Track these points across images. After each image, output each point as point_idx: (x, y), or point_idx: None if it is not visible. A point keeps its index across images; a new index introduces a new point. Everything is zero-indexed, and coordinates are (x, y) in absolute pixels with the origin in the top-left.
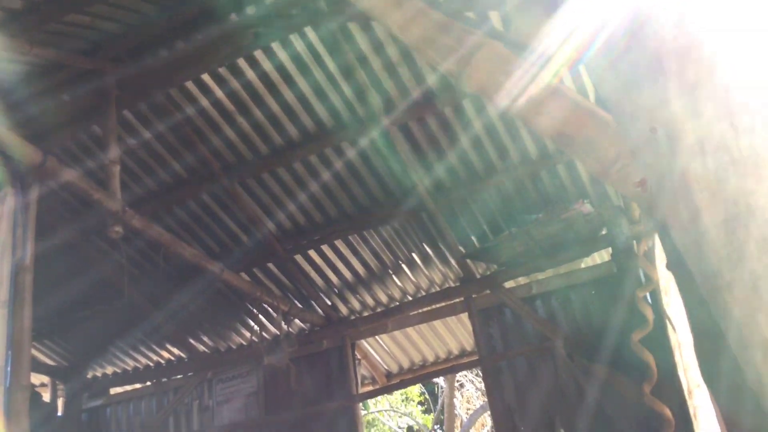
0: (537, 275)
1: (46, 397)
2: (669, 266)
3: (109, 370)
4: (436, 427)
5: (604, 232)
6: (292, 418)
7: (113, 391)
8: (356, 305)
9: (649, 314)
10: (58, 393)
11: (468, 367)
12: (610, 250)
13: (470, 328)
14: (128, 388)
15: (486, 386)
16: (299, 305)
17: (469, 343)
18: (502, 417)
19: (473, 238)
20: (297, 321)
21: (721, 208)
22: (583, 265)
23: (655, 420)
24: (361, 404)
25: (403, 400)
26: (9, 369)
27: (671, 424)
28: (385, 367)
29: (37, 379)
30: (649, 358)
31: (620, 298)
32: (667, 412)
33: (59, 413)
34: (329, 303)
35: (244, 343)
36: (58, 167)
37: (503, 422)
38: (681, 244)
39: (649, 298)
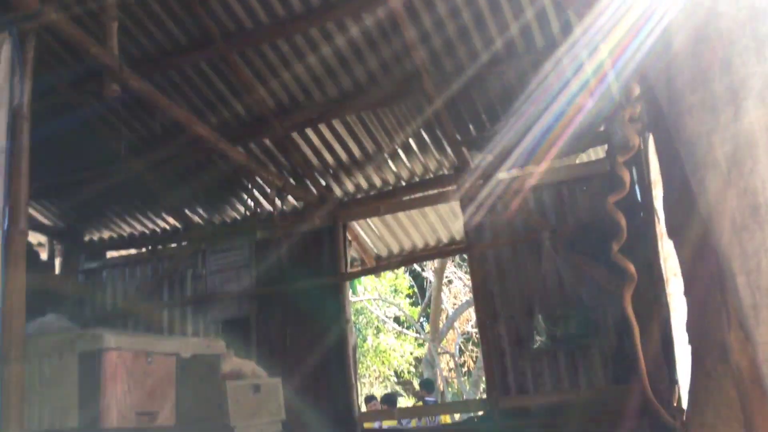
0: (530, 168)
1: (44, 256)
2: (648, 128)
3: (106, 234)
4: (422, 319)
5: (601, 129)
6: (282, 291)
7: (109, 255)
8: (350, 187)
9: (626, 177)
10: (56, 253)
11: (455, 253)
12: (605, 147)
13: (461, 216)
14: (124, 252)
15: (471, 273)
16: (293, 183)
17: (458, 232)
18: (484, 302)
19: (471, 126)
20: (290, 199)
21: (692, 32)
22: (577, 161)
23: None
24: (350, 289)
25: (391, 292)
26: (7, 213)
27: (634, 279)
28: (375, 251)
29: (34, 238)
30: (620, 218)
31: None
32: (631, 268)
33: (56, 272)
34: (323, 183)
35: (238, 217)
36: (54, 15)
37: (485, 307)
38: (653, 74)
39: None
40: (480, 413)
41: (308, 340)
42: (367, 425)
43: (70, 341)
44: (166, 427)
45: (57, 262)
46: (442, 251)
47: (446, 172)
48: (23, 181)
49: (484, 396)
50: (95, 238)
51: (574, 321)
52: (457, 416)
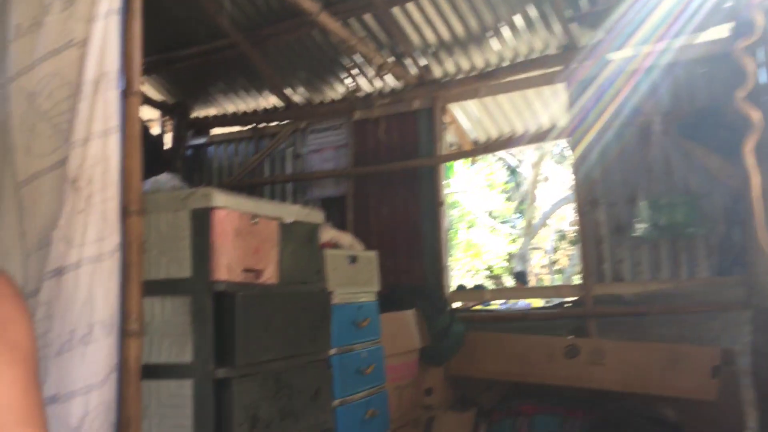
0: (644, 47)
1: (155, 131)
2: None
3: (212, 111)
4: (516, 214)
5: (727, 5)
6: (378, 171)
7: (214, 132)
8: (450, 68)
9: (751, 67)
10: (165, 128)
11: (558, 137)
12: (731, 25)
13: (566, 100)
14: (228, 130)
15: (573, 157)
16: (393, 62)
17: (561, 117)
18: (584, 188)
19: (582, 1)
20: (389, 79)
21: None
22: (697, 41)
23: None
24: (445, 173)
25: (487, 185)
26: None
27: (757, 129)
28: (473, 135)
29: (145, 113)
30: (753, 113)
31: (731, 78)
32: (755, 116)
33: (166, 147)
34: (423, 63)
35: (337, 97)
36: None
37: (584, 193)
38: None
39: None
40: (572, 299)
41: (403, 221)
42: (457, 305)
43: (183, 198)
44: (269, 285)
45: (167, 137)
46: (543, 136)
47: (553, 51)
48: (136, 42)
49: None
50: (201, 115)
51: (681, 209)
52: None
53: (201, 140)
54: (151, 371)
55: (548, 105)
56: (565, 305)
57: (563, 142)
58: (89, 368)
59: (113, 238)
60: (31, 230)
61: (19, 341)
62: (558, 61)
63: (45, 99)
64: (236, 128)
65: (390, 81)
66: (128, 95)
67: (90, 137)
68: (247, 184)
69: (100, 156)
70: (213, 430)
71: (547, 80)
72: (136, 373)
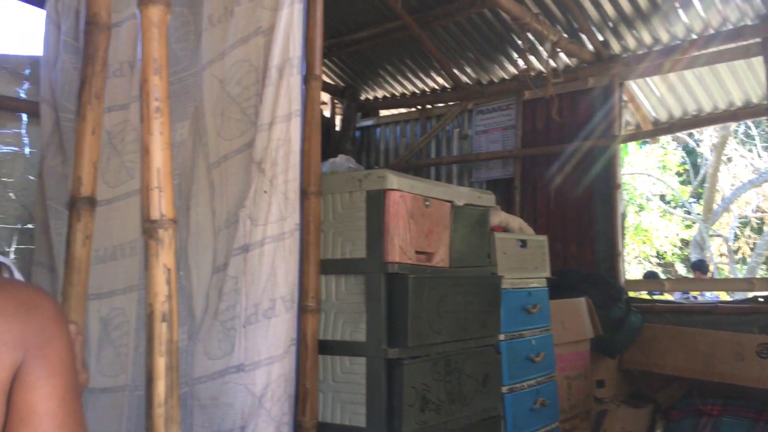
0: None
1: (326, 113)
2: None
3: (380, 93)
4: (692, 200)
5: None
6: (547, 152)
7: (382, 113)
8: (631, 42)
9: None
10: (335, 111)
11: (752, 116)
12: None
13: (762, 74)
14: (395, 111)
15: None
16: (568, 38)
17: (756, 94)
18: None
19: None
20: (563, 56)
21: None
22: None
23: None
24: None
25: (660, 167)
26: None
27: None
28: (653, 114)
29: None
30: None
31: None
32: None
33: (336, 129)
34: (601, 38)
35: (506, 77)
36: None
37: None
38: None
39: None
40: (765, 294)
41: (574, 204)
42: (632, 294)
43: (358, 180)
44: (440, 268)
45: (337, 119)
46: (734, 115)
47: (749, 21)
48: (317, 28)
49: None
50: (370, 97)
51: None
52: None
53: (369, 122)
54: (326, 347)
55: (741, 80)
56: (759, 300)
57: (756, 121)
58: (271, 341)
59: (293, 218)
60: (220, 208)
61: (58, 358)
62: (755, 31)
63: (234, 85)
64: (403, 110)
65: (563, 58)
66: (309, 80)
67: (274, 121)
68: (414, 166)
69: (283, 139)
70: (385, 409)
71: (742, 52)
72: (313, 348)
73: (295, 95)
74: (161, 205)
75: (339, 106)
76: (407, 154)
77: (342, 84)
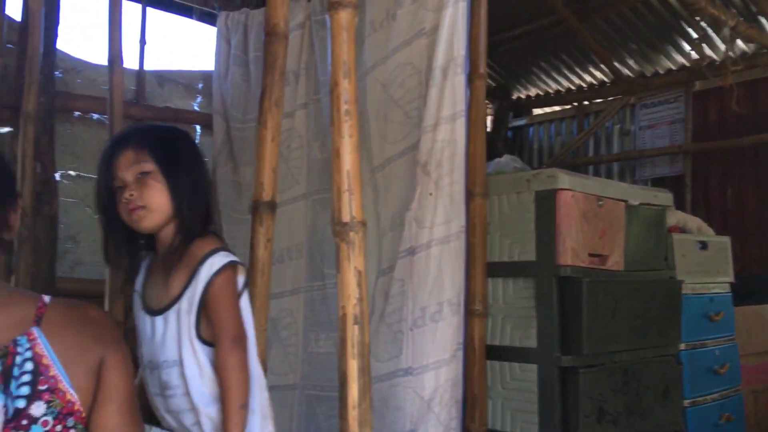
0: None
1: None
2: None
3: (533, 92)
4: None
5: None
6: (723, 147)
7: (535, 112)
8: None
9: None
10: (487, 111)
11: None
12: None
13: None
14: (548, 110)
15: None
16: (746, 22)
17: None
18: None
19: None
20: (739, 42)
21: None
22: None
23: None
24: None
25: None
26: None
27: None
28: None
29: None
30: None
31: None
32: None
33: (488, 130)
34: None
35: (673, 67)
36: None
37: None
38: None
39: None
40: None
41: (754, 203)
42: None
43: (527, 180)
44: (615, 271)
45: (488, 120)
46: None
47: None
48: (481, 26)
49: None
50: (522, 96)
51: None
52: None
53: (521, 121)
54: (494, 352)
55: None
56: None
57: None
58: (439, 344)
59: (459, 220)
60: (385, 212)
61: (117, 384)
62: None
63: (397, 88)
64: (558, 107)
65: (740, 44)
66: (473, 79)
67: (439, 122)
68: (570, 165)
69: (448, 140)
70: (559, 419)
71: None
72: (480, 353)
73: (459, 95)
74: (352, 208)
75: (490, 106)
76: (563, 152)
77: (493, 84)
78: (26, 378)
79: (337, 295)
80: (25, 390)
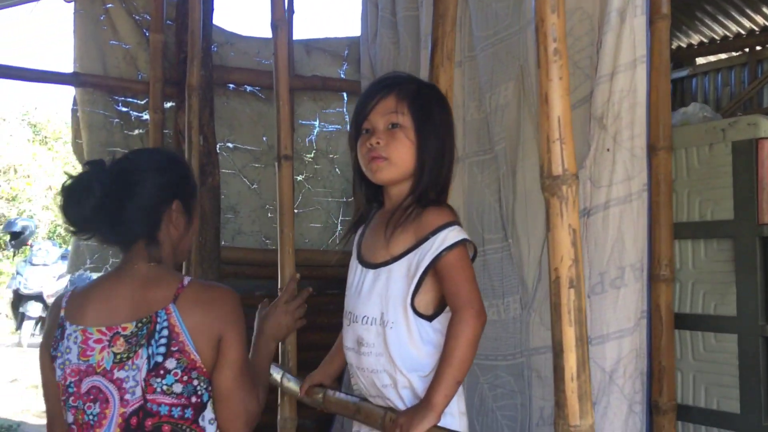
0: None
1: None
2: None
3: (695, 39)
4: None
5: None
6: None
7: (699, 61)
8: None
9: None
10: None
11: None
12: None
13: None
14: (713, 58)
15: None
16: None
17: None
18: None
19: None
20: None
21: None
22: None
23: None
24: None
25: None
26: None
27: None
28: None
29: None
30: None
31: None
32: None
33: None
34: None
35: None
36: None
37: None
38: None
39: None
40: None
41: None
42: None
43: (721, 130)
44: None
45: None
46: None
47: None
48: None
49: None
50: (683, 44)
51: None
52: None
53: (683, 72)
54: (683, 320)
55: None
56: None
57: None
58: (621, 313)
59: (641, 178)
60: None
61: (233, 357)
62: None
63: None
64: (725, 55)
65: None
66: (654, 20)
67: (616, 71)
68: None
69: (627, 90)
70: (765, 394)
71: None
72: (668, 321)
73: (639, 39)
74: (564, 159)
75: None
76: (732, 105)
77: None
78: (163, 341)
79: (498, 261)
80: (162, 349)
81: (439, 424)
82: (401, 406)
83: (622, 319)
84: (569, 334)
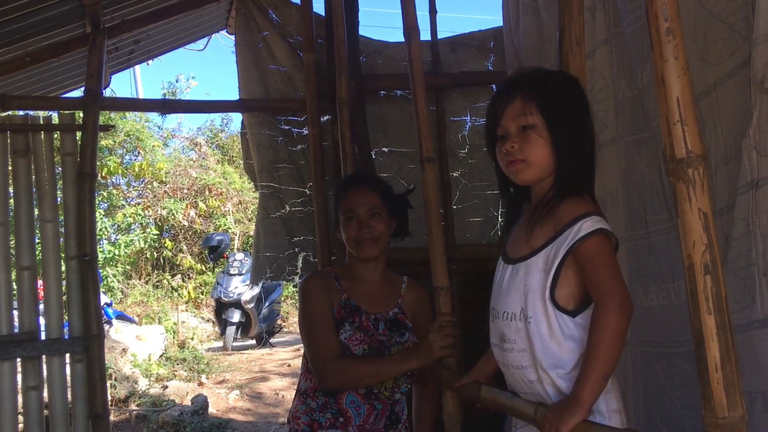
0: None
1: None
2: None
3: None
4: None
5: None
6: None
7: None
8: None
9: None
10: None
11: None
12: None
13: None
14: None
15: None
16: None
17: None
18: None
19: None
20: None
21: None
22: None
23: None
24: None
25: None
26: None
27: None
28: None
29: None
30: None
31: None
32: None
33: None
34: None
35: None
36: None
37: None
38: None
39: None
40: None
41: None
42: None
43: None
44: None
45: None
46: None
47: None
48: None
49: None
50: None
51: None
52: None
53: None
54: None
55: None
56: None
57: None
58: None
59: None
60: (715, 144)
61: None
62: None
63: (716, 1)
64: None
65: None
66: None
67: None
68: None
69: None
70: None
71: None
72: None
73: None
74: (687, 141)
75: None
76: None
77: None
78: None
79: (665, 242)
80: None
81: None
82: (551, 403)
83: None
84: (709, 323)
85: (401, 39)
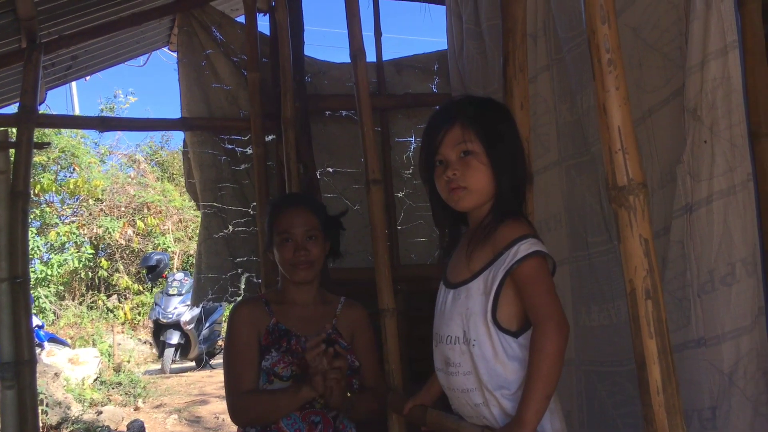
0: None
1: None
2: None
3: None
4: None
5: None
6: None
7: None
8: None
9: None
10: None
11: None
12: None
13: None
14: None
15: None
16: None
17: None
18: None
19: None
20: None
21: None
22: None
23: None
24: None
25: None
26: None
27: None
28: None
29: None
30: None
31: None
32: None
33: None
34: None
35: None
36: None
37: None
38: None
39: None
40: None
41: None
42: None
43: None
44: None
45: None
46: None
47: None
48: None
49: None
50: None
51: None
52: None
53: None
54: None
55: None
56: None
57: None
58: (735, 311)
59: (744, 167)
60: (651, 168)
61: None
62: None
63: (651, 30)
64: None
65: None
66: (744, 3)
67: (706, 59)
68: None
69: (720, 78)
70: None
71: None
72: None
73: (729, 24)
74: (628, 169)
75: None
76: None
77: None
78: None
79: (605, 263)
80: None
81: None
82: (496, 425)
83: (738, 318)
84: (651, 347)
85: (347, 59)
